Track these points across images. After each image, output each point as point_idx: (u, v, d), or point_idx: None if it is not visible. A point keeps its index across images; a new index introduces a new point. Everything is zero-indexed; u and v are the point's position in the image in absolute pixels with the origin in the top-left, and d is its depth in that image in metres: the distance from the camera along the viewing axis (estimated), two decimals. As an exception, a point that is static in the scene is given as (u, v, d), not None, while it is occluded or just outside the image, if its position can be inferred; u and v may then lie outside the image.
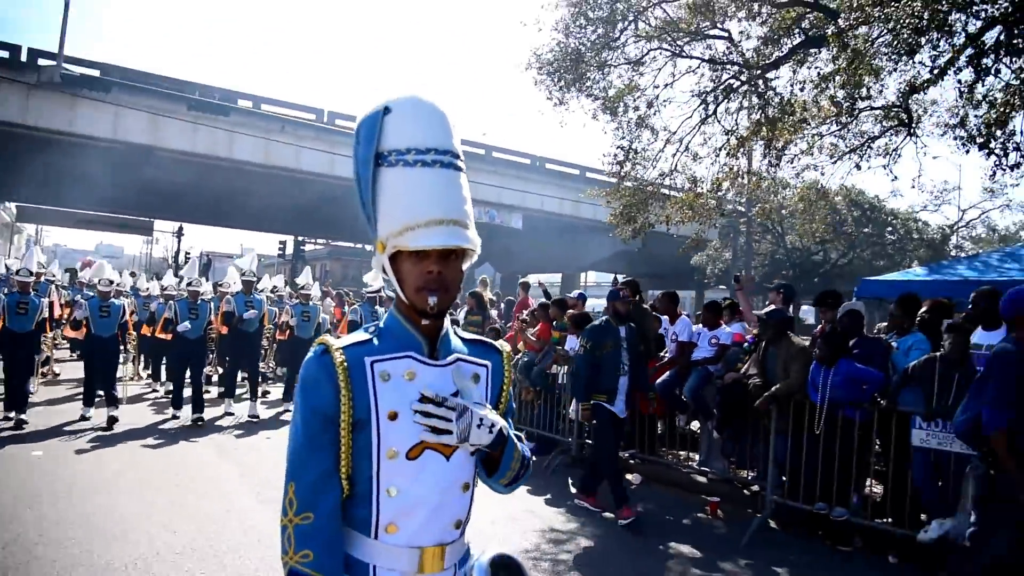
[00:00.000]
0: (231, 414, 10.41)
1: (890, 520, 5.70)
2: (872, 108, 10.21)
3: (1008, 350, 3.92)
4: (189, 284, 10.71)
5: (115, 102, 23.91)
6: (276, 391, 12.81)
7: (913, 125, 9.87)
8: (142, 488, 6.55)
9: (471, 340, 1.84)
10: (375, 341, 1.69)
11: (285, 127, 28.57)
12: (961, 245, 29.71)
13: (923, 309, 6.27)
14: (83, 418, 9.43)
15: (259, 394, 10.97)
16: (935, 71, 8.15)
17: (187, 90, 26.60)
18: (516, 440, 1.80)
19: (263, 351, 13.26)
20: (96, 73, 24.98)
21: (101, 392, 9.61)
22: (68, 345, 16.84)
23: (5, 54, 23.98)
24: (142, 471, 7.20)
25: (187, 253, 49.62)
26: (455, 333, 1.81)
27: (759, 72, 11.20)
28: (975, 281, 7.81)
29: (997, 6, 7.44)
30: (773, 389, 6.16)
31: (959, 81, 8.30)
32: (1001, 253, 10.90)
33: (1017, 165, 8.18)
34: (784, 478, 6.29)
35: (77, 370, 12.49)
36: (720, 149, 12.07)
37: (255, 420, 10.18)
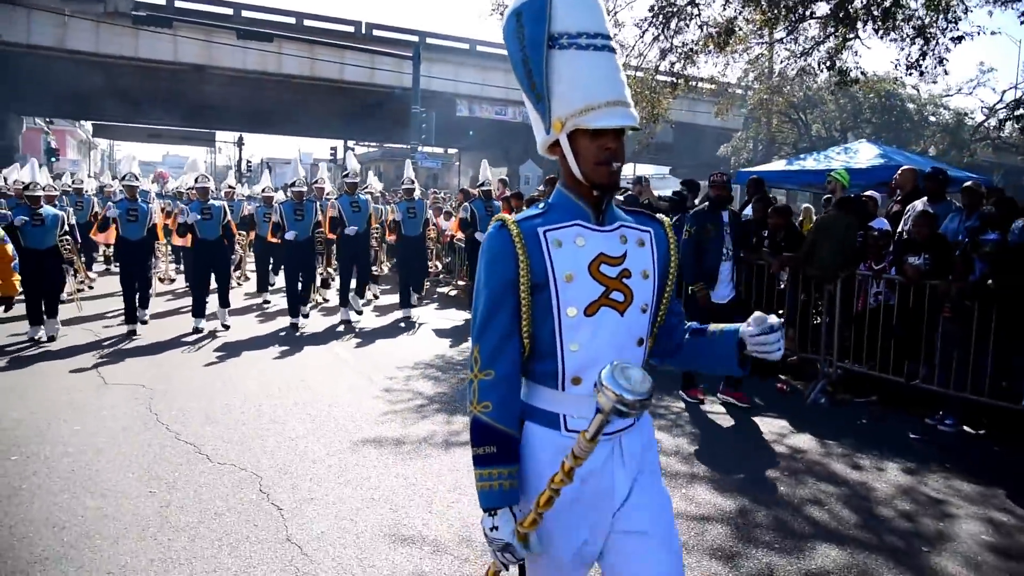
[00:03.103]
0: (347, 321, 9.85)
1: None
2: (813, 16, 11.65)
3: None
4: (293, 185, 10.22)
5: (174, 31, 26.10)
6: (389, 299, 12.02)
7: (854, 25, 11.11)
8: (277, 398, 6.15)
9: (633, 211, 1.95)
10: (546, 214, 1.82)
11: (326, 40, 30.46)
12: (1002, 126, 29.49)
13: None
14: (196, 330, 9.04)
15: (366, 296, 10.63)
16: None
17: (237, 15, 28.56)
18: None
19: (374, 252, 12.65)
20: (162, 1, 27.14)
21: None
22: (173, 257, 15.28)
23: (73, -12, 26.31)
24: (284, 389, 6.50)
25: (248, 160, 52.75)
26: (617, 206, 1.90)
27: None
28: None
29: None
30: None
31: None
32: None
33: None
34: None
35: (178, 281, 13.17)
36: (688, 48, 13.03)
37: (358, 318, 10.00)
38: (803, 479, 4.79)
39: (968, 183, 7.40)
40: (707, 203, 6.61)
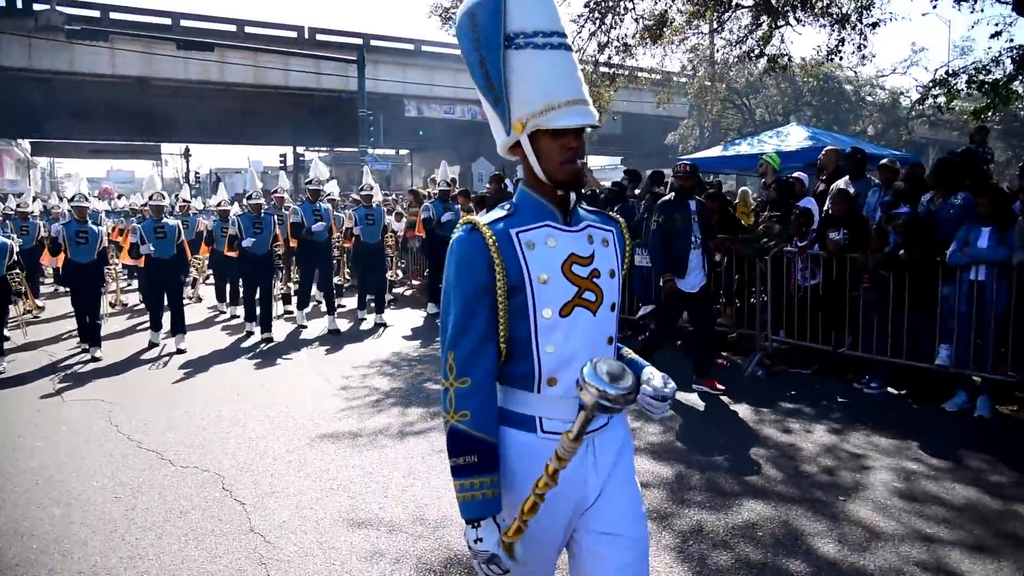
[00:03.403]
0: (304, 327, 10.01)
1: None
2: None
3: None
4: (249, 197, 10.08)
5: (111, 44, 25.77)
6: (349, 302, 11.92)
7: (778, 14, 11.62)
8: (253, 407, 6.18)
9: (593, 211, 1.97)
10: (514, 215, 1.82)
11: (269, 47, 30.32)
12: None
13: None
14: (152, 345, 9.04)
15: (335, 308, 10.25)
16: None
17: (176, 24, 28.26)
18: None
19: (335, 262, 12.46)
20: (96, 14, 26.75)
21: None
22: (126, 274, 15.09)
23: (2, 3, 25.82)
24: (244, 394, 6.64)
25: (196, 172, 52.05)
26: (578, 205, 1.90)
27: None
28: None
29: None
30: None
31: None
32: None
33: None
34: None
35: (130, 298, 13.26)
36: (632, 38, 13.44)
37: (337, 334, 9.65)
38: (736, 445, 5.15)
39: (883, 160, 7.84)
40: (672, 193, 6.69)
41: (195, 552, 3.68)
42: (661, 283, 6.51)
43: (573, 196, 1.85)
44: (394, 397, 6.50)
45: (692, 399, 6.30)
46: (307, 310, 10.42)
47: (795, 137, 11.24)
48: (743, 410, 5.98)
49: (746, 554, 3.55)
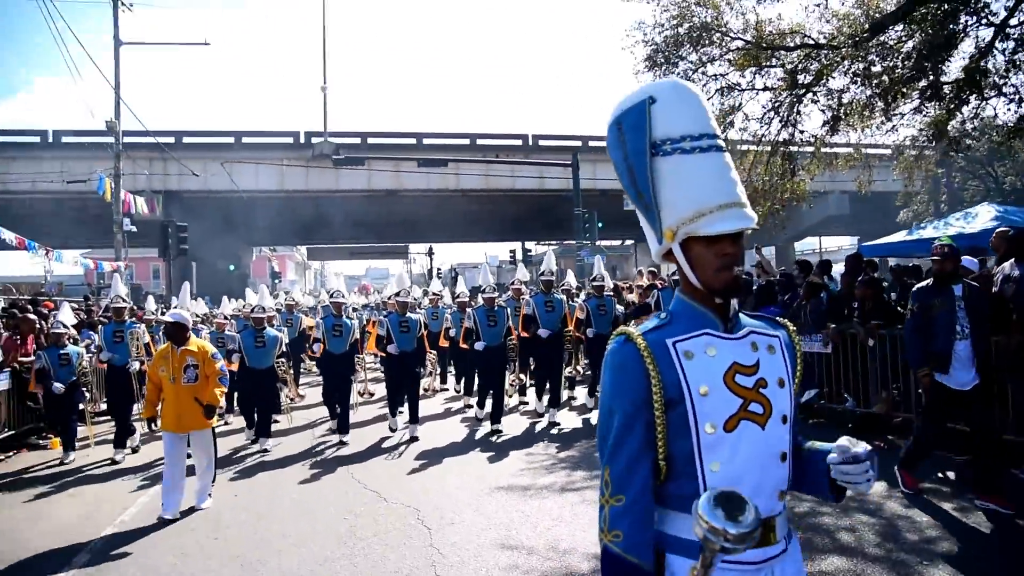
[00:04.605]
0: (555, 423, 9.60)
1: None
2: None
3: None
4: (483, 291, 10.15)
5: (368, 167, 30.56)
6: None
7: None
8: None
9: (757, 316, 1.87)
10: (670, 324, 1.74)
11: (499, 154, 33.85)
12: None
13: None
14: (391, 430, 9.53)
15: (559, 401, 10.09)
16: None
17: (419, 143, 32.84)
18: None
19: (568, 352, 11.45)
20: (357, 141, 32.00)
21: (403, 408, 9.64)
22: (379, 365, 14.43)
23: (290, 140, 31.83)
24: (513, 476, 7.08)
25: (439, 268, 57.78)
26: (738, 311, 1.81)
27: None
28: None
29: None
30: None
31: None
32: None
33: None
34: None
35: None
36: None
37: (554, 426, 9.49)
38: (852, 514, 5.68)
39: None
40: (931, 279, 6.01)
41: (391, 555, 5.13)
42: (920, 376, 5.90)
43: (735, 303, 1.79)
44: (566, 463, 7.69)
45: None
46: (555, 413, 9.90)
47: (982, 218, 11.09)
48: (877, 487, 6.38)
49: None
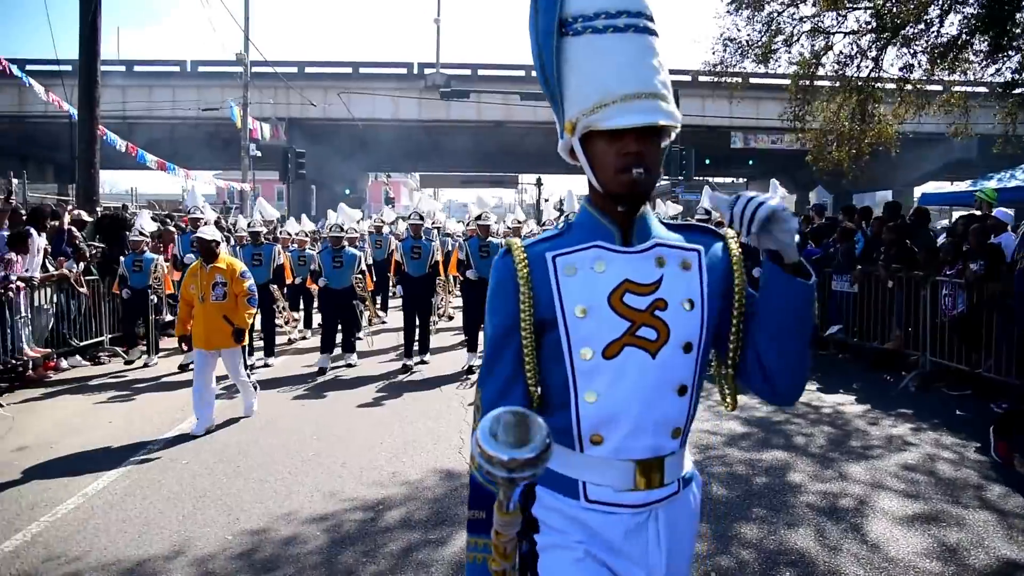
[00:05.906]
0: None
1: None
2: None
3: None
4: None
5: (476, 99, 31.66)
6: None
7: None
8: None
9: (682, 226, 1.60)
10: (561, 236, 1.55)
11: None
12: None
13: None
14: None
15: None
16: None
17: (528, 75, 33.61)
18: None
19: None
20: (468, 72, 33.17)
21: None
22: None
23: (403, 71, 33.40)
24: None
25: (546, 199, 58.92)
26: (659, 221, 1.58)
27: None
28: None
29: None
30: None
31: None
32: None
33: None
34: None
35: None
36: None
37: None
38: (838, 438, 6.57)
39: None
40: None
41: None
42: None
43: (646, 210, 1.56)
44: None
45: (819, 402, 7.62)
46: None
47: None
48: (855, 409, 7.21)
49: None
